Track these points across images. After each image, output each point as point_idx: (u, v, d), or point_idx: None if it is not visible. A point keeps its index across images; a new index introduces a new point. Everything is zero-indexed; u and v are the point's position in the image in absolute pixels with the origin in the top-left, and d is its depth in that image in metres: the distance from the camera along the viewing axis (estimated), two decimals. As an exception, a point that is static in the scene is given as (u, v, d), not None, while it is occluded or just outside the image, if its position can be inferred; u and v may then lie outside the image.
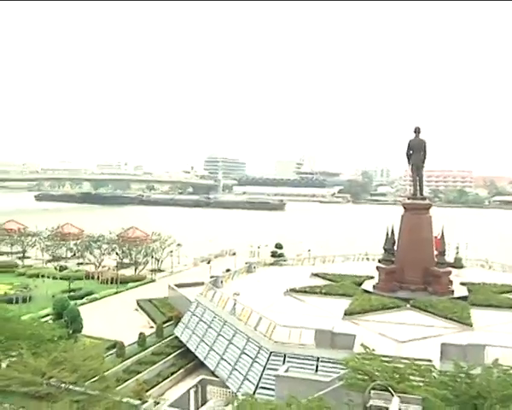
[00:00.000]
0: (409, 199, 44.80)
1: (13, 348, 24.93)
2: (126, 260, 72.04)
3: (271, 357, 28.95)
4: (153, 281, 62.31)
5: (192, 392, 26.99)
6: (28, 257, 76.82)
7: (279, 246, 76.36)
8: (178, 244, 76.91)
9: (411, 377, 21.27)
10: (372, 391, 19.21)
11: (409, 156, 43.90)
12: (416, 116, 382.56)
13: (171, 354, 36.02)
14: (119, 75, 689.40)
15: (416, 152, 43.57)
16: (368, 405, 18.78)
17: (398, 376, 21.07)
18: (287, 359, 28.54)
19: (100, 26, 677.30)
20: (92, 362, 24.71)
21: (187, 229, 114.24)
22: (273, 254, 71.03)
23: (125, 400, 24.70)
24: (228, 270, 53.97)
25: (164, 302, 48.41)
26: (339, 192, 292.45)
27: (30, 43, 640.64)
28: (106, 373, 25.78)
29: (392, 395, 18.29)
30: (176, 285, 50.07)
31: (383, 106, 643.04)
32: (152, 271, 67.52)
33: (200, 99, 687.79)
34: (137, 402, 25.84)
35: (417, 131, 43.62)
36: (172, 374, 33.57)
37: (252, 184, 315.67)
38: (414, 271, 41.27)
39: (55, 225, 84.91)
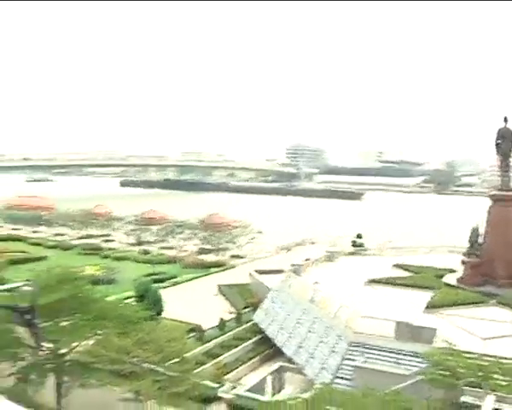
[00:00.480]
0: (497, 190, 43.27)
1: (99, 327, 25.81)
2: (208, 246, 73.26)
3: (350, 347, 28.74)
4: (233, 267, 62.96)
5: (269, 378, 27.19)
6: (113, 240, 79.37)
7: (359, 236, 75.40)
8: (259, 231, 77.46)
9: (495, 376, 20.60)
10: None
11: (497, 146, 42.48)
12: (506, 105, 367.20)
13: (249, 339, 36.37)
14: (201, 62, 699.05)
15: (506, 142, 42.12)
16: (458, 401, 18.29)
17: (482, 374, 20.45)
18: (366, 350, 28.27)
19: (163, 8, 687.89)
20: (175, 344, 25.28)
21: (268, 216, 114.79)
22: (354, 244, 70.21)
23: (204, 382, 25.20)
24: (308, 259, 53.81)
25: (244, 288, 48.84)
26: (423, 182, 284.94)
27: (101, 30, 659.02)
28: (187, 356, 26.33)
29: (487, 393, 17.69)
30: (256, 272, 50.46)
31: (471, 94, 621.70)
32: (233, 257, 68.28)
33: (284, 88, 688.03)
34: (215, 385, 26.29)
35: (506, 120, 42.32)
36: (250, 360, 33.89)
37: (333, 172, 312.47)
38: (501, 265, 39.89)
39: (139, 211, 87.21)
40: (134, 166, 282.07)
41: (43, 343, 23.73)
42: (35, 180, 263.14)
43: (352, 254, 58.42)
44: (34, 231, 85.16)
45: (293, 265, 47.67)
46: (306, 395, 21.41)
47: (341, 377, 27.37)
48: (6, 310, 24.01)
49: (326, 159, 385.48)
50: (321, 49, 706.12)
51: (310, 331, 32.48)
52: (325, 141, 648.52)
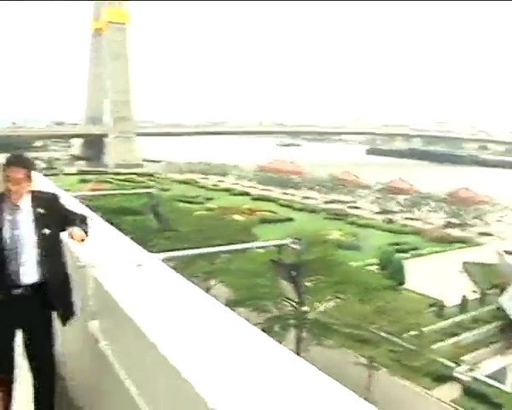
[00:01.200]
0: None
1: (341, 291, 26.76)
2: (454, 221, 70.72)
3: None
4: (480, 245, 60.02)
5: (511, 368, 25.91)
6: (358, 207, 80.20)
7: None
8: (511, 209, 72.90)
9: None
10: None
11: None
12: None
13: (492, 323, 34.70)
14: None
15: None
16: None
17: None
18: None
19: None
20: (414, 317, 25.26)
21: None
22: None
23: (439, 360, 24.84)
24: None
25: (490, 268, 46.45)
26: None
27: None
28: (425, 330, 26.13)
29: None
30: (505, 252, 47.73)
31: None
32: (480, 234, 65.03)
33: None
34: (452, 365, 25.74)
35: None
36: (491, 345, 32.37)
37: None
38: None
39: (385, 179, 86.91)
40: (381, 134, 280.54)
41: (303, 300, 25.23)
42: (285, 145, 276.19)
43: None
44: (284, 193, 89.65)
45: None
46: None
47: None
48: (272, 264, 25.99)
49: None
50: None
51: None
52: None
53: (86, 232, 3.70)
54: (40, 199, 3.69)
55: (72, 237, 3.62)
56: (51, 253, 3.66)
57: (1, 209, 3.56)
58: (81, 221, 3.78)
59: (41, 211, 3.62)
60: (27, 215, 3.60)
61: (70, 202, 4.20)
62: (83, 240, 3.63)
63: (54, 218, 3.68)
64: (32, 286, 3.61)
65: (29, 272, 3.58)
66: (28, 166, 3.63)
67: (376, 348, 23.99)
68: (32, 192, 3.66)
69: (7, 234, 3.53)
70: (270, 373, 2.30)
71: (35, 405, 3.83)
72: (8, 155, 3.66)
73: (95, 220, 5.19)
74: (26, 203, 3.61)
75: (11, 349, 3.68)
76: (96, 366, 3.66)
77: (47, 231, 3.61)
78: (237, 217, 50.04)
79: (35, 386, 3.84)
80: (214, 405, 2.02)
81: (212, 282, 32.83)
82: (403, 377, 24.32)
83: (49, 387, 3.85)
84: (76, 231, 3.62)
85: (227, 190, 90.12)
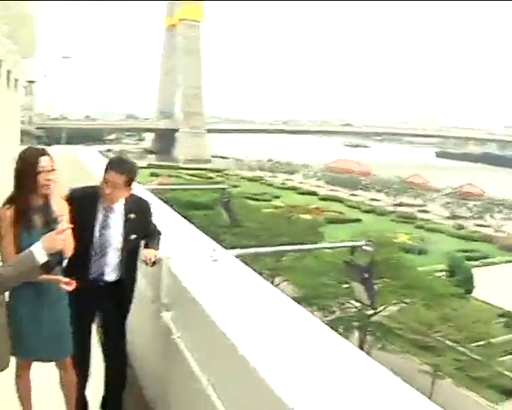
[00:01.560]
0: None
1: (407, 296, 26.31)
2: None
3: None
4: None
5: None
6: (427, 211, 78.41)
7: None
8: None
9: None
10: None
11: None
12: None
13: None
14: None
15: None
16: None
17: None
18: None
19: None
20: (481, 326, 24.60)
21: None
22: None
23: (507, 373, 24.15)
24: None
25: None
26: None
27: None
28: (492, 341, 25.40)
29: None
30: None
31: None
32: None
33: None
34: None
35: None
36: None
37: None
38: None
39: (456, 184, 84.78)
40: (452, 137, 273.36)
41: (374, 302, 25.01)
42: (353, 145, 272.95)
43: None
44: (352, 194, 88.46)
45: None
46: None
47: None
48: (345, 265, 25.89)
49: None
50: None
51: None
52: None
53: (157, 249, 3.76)
54: (133, 204, 3.72)
55: (144, 258, 3.68)
56: (131, 256, 3.76)
57: (95, 207, 3.64)
58: (156, 237, 3.85)
59: (132, 216, 3.67)
60: (119, 218, 3.67)
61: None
62: (153, 262, 3.69)
63: (141, 225, 3.75)
64: (111, 283, 3.72)
65: (111, 271, 3.70)
66: (129, 173, 3.58)
67: (441, 355, 23.48)
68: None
69: (97, 233, 3.62)
70: (346, 372, 2.31)
71: (105, 390, 3.98)
72: (117, 153, 3.72)
73: (170, 214, 5.31)
74: (119, 206, 3.67)
75: (87, 337, 3.82)
76: (168, 357, 3.74)
77: (133, 236, 3.69)
78: (304, 216, 49.87)
79: (106, 376, 3.98)
80: (294, 405, 2.00)
81: (277, 279, 32.86)
82: (466, 388, 23.71)
83: (119, 379, 3.97)
84: (150, 251, 3.69)
85: (294, 188, 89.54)
